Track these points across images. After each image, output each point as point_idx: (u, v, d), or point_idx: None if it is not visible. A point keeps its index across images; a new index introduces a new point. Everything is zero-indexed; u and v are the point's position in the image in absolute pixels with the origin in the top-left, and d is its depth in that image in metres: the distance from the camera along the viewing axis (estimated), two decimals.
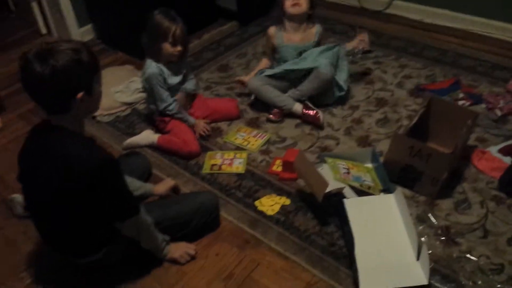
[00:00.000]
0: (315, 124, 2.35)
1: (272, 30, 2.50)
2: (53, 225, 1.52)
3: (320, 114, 2.32)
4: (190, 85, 2.40)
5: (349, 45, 2.88)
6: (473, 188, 1.95)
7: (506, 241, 1.72)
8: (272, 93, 2.39)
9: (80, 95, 1.33)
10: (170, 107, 2.26)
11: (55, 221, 1.49)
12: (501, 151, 2.05)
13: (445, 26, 3.19)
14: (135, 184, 1.84)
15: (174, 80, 2.28)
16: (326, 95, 2.44)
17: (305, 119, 2.37)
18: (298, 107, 2.37)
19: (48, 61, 1.26)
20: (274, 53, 2.53)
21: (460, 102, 2.37)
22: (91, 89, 1.38)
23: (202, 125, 2.33)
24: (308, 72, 2.36)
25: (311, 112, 2.33)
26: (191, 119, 2.33)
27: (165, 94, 2.24)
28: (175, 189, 2.00)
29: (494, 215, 1.83)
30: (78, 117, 1.42)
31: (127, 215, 1.50)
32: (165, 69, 2.23)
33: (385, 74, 2.73)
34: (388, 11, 3.45)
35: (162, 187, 1.96)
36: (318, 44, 2.47)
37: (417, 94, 2.52)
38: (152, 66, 2.20)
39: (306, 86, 2.38)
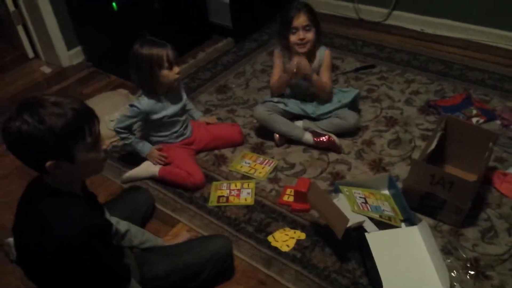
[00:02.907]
0: (332, 149, 2.23)
1: (277, 53, 2.33)
2: (38, 286, 1.37)
3: (335, 137, 2.20)
4: (196, 114, 2.37)
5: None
6: (498, 214, 1.85)
7: None
8: (280, 123, 2.27)
9: (49, 163, 1.15)
10: (122, 135, 2.13)
11: (38, 283, 1.34)
12: None
13: (447, 36, 3.11)
14: (143, 237, 1.66)
15: (172, 109, 2.14)
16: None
17: (319, 147, 2.25)
18: (308, 137, 2.25)
19: (18, 120, 1.10)
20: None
21: (474, 119, 2.28)
22: (71, 156, 1.18)
23: (156, 154, 2.16)
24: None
25: (323, 139, 2.22)
26: (146, 149, 2.17)
27: (125, 125, 2.10)
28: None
29: None
30: (64, 180, 1.24)
31: (113, 286, 1.32)
32: (160, 103, 2.10)
33: (391, 91, 2.63)
34: (387, 22, 3.36)
35: (174, 242, 1.76)
36: (319, 67, 2.30)
37: (428, 111, 2.42)
38: (142, 103, 2.06)
39: (327, 127, 2.27)
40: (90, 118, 1.21)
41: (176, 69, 2.05)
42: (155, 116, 2.11)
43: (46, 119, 1.11)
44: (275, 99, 2.34)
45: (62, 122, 1.13)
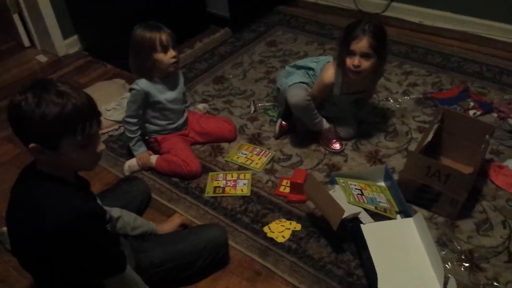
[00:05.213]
0: (327, 147, 2.21)
1: (331, 74, 2.04)
2: (33, 276, 1.38)
3: (338, 146, 2.20)
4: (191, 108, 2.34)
5: None
6: (493, 206, 1.85)
7: None
8: (314, 113, 2.13)
9: (32, 145, 1.15)
10: (130, 126, 2.10)
11: (34, 273, 1.35)
12: None
13: (445, 28, 3.10)
14: (135, 222, 1.68)
15: (170, 95, 2.11)
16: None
17: (326, 135, 2.21)
18: (326, 126, 2.22)
19: (22, 95, 1.12)
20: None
21: (471, 112, 2.28)
22: (56, 146, 1.17)
23: (144, 156, 2.15)
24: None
25: (332, 139, 2.21)
26: (141, 150, 2.16)
27: (133, 111, 2.07)
28: (183, 226, 1.85)
29: None
30: (54, 166, 1.23)
31: (109, 273, 1.30)
32: (159, 86, 2.07)
33: (389, 82, 2.62)
34: (385, 13, 3.35)
35: (167, 227, 1.78)
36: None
37: (425, 103, 2.42)
38: (139, 83, 2.03)
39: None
40: (88, 117, 1.19)
41: (172, 53, 1.99)
42: (154, 99, 2.07)
43: (43, 105, 1.11)
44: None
45: (56, 112, 1.12)
